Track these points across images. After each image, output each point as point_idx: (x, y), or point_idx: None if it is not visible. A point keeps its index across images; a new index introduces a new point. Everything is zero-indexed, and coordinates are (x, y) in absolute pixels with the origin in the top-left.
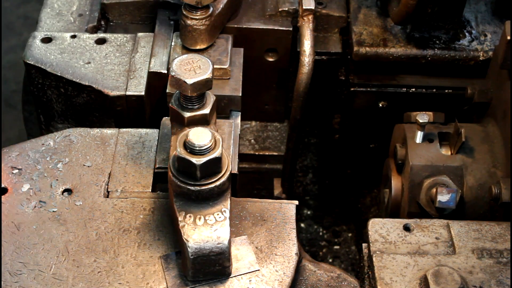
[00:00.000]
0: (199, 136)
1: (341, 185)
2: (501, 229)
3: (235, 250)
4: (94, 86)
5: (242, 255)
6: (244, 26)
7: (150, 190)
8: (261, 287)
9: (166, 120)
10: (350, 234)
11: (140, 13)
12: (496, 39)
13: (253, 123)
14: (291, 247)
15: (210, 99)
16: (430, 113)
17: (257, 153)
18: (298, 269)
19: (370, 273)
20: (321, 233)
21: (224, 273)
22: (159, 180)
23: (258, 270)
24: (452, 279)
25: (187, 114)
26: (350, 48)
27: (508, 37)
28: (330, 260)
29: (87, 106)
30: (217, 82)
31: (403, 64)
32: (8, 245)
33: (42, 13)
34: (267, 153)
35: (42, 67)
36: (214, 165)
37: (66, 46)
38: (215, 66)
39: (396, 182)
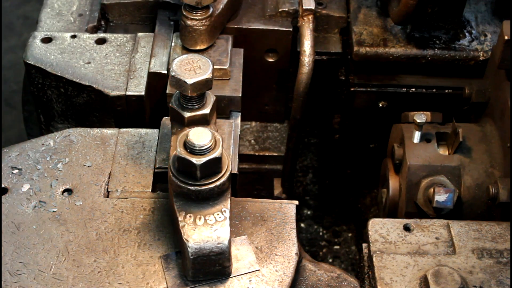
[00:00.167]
0: (199, 136)
1: (341, 185)
2: (501, 229)
3: (235, 250)
4: (94, 86)
5: (242, 255)
6: (244, 27)
7: (150, 190)
8: (261, 287)
9: (166, 120)
10: (350, 234)
11: (140, 13)
12: (496, 39)
13: (253, 123)
14: (291, 247)
15: (210, 99)
16: (428, 113)
17: (257, 154)
18: (298, 269)
19: (370, 273)
20: (321, 233)
21: (224, 273)
22: (159, 180)
23: (258, 270)
24: (452, 279)
25: (187, 114)
26: (350, 48)
27: (506, 37)
28: (330, 260)
29: (87, 106)
30: (217, 83)
31: (403, 64)
32: (8, 245)
33: (42, 13)
34: (267, 154)
35: (42, 67)
36: (214, 165)
37: (66, 46)
38: (215, 67)
39: (393, 182)
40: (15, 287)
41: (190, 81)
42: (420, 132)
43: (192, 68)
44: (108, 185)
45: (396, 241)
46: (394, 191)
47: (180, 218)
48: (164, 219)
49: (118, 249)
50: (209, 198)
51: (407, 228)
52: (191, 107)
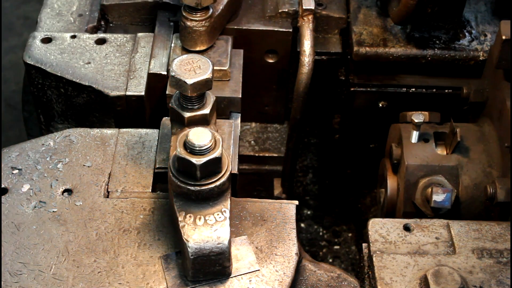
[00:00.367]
0: (199, 136)
1: (341, 185)
2: (501, 229)
3: (235, 250)
4: (94, 86)
5: (242, 255)
6: (244, 28)
7: (150, 190)
8: (261, 287)
9: (166, 120)
10: (350, 234)
11: (139, 14)
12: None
13: (253, 124)
14: (291, 247)
15: (210, 99)
16: (426, 113)
17: (257, 155)
18: (298, 269)
19: (370, 273)
20: (321, 233)
21: (224, 273)
22: (159, 180)
23: (258, 270)
24: (452, 279)
25: (187, 114)
26: (350, 48)
27: (504, 37)
28: (330, 260)
29: (87, 106)
30: (217, 84)
31: (403, 64)
32: (8, 245)
33: (42, 13)
34: (267, 155)
35: (42, 67)
36: (214, 165)
37: (66, 46)
38: (214, 68)
39: (391, 182)
40: (15, 287)
41: (190, 81)
42: (418, 132)
43: (192, 68)
44: (108, 185)
45: (396, 241)
46: (392, 191)
47: (180, 218)
48: (164, 219)
49: (118, 249)
50: (209, 198)
51: (407, 228)
52: (191, 107)
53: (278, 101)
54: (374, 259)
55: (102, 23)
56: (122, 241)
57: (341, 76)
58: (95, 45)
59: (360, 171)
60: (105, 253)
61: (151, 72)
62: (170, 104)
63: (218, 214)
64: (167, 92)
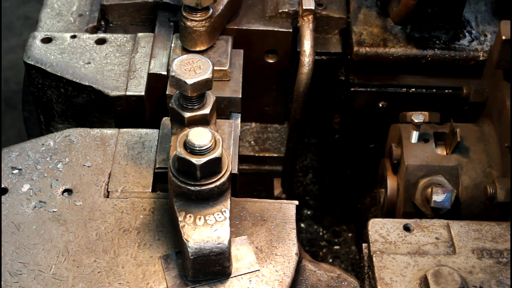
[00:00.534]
0: (199, 136)
1: (341, 185)
2: (501, 229)
3: (235, 250)
4: (94, 86)
5: (242, 255)
6: (244, 28)
7: (150, 190)
8: (261, 287)
9: (166, 120)
10: (350, 234)
11: (139, 14)
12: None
13: (253, 124)
14: (291, 247)
15: (210, 99)
16: (426, 113)
17: (257, 155)
18: (298, 269)
19: (370, 273)
20: (321, 233)
21: (224, 273)
22: (159, 180)
23: (258, 270)
24: (452, 279)
25: (187, 114)
26: (350, 48)
27: (504, 37)
28: (330, 260)
29: (87, 106)
30: (217, 84)
31: (403, 64)
32: (8, 245)
33: (42, 13)
34: (267, 155)
35: (42, 67)
36: (214, 165)
37: (66, 46)
38: (215, 68)
39: (391, 182)
40: (15, 287)
41: (190, 81)
42: (418, 132)
43: (192, 68)
44: (108, 185)
45: (396, 241)
46: (392, 191)
47: (180, 218)
48: (164, 219)
49: (118, 249)
50: (209, 198)
51: (407, 228)
52: (191, 107)
53: (278, 101)
54: (374, 259)
55: (102, 23)
56: (122, 241)
57: (341, 76)
58: (95, 45)
59: (360, 171)
60: (105, 253)
61: (151, 72)
62: (170, 104)
63: (218, 214)
64: (167, 92)
